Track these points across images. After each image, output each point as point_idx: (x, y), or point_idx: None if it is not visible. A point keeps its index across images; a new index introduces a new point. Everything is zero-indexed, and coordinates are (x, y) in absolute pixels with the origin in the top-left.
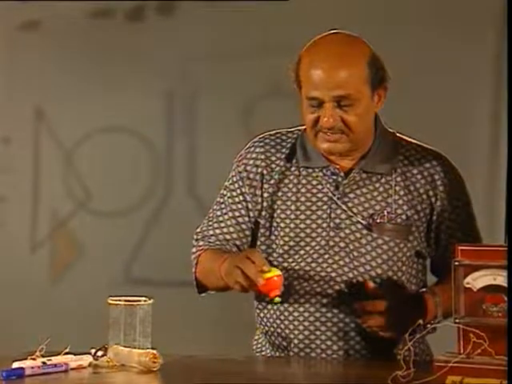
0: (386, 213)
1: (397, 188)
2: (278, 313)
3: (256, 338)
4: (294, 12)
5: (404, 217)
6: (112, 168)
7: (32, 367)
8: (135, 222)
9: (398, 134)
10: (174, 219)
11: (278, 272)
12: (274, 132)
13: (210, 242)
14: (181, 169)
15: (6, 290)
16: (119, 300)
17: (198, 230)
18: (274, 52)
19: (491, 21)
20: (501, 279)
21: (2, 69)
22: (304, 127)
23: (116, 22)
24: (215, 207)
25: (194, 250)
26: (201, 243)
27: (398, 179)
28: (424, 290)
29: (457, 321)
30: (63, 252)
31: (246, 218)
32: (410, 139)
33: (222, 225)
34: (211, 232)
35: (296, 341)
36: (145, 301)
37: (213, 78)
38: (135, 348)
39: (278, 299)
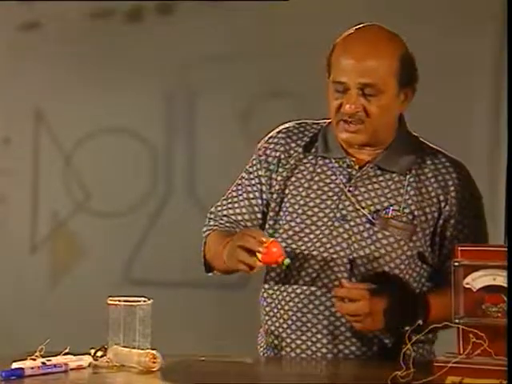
0: (391, 209)
1: (408, 188)
2: (271, 306)
3: (259, 334)
4: (294, 12)
5: (410, 216)
6: (112, 169)
7: (32, 367)
8: (135, 223)
9: (420, 139)
10: (173, 219)
11: (272, 239)
12: (300, 121)
13: (220, 223)
14: (180, 169)
15: (5, 291)
16: (119, 300)
17: (212, 208)
18: (274, 52)
19: (491, 20)
20: (500, 279)
21: (2, 69)
22: (329, 120)
23: (115, 23)
24: (233, 188)
25: (204, 229)
26: (211, 223)
27: (411, 180)
28: (415, 293)
29: (456, 321)
30: (63, 252)
31: (259, 201)
32: (432, 145)
33: (236, 205)
34: (224, 212)
35: (284, 334)
36: (144, 301)
37: (212, 79)
38: (135, 348)
39: (287, 261)
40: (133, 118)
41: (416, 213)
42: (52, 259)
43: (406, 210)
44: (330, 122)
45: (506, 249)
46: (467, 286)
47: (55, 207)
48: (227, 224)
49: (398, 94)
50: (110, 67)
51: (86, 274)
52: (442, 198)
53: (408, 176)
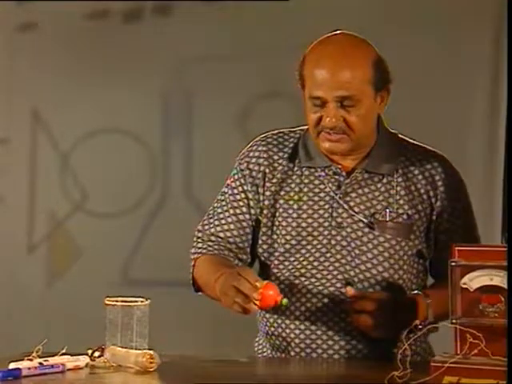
0: (387, 212)
1: (398, 188)
2: (279, 312)
3: (257, 339)
4: (292, 12)
5: (405, 216)
6: (109, 169)
7: (29, 368)
8: (132, 223)
9: (399, 135)
10: (170, 220)
11: (266, 282)
12: (276, 131)
13: (209, 245)
14: (177, 170)
15: (2, 291)
16: (116, 301)
17: (199, 227)
18: (272, 53)
19: (490, 20)
20: (497, 279)
21: (0, 70)
22: (306, 127)
23: (113, 23)
24: (216, 204)
25: (192, 250)
26: (199, 245)
27: (400, 179)
28: (416, 291)
29: (453, 321)
30: (60, 253)
31: (247, 216)
32: (411, 140)
33: (223, 222)
34: (212, 230)
35: (297, 340)
36: (142, 301)
37: (209, 79)
38: (132, 349)
39: (285, 301)
40: (130, 118)
41: (409, 212)
42: (49, 259)
43: (400, 211)
44: (307, 130)
45: (502, 249)
46: (464, 286)
47: (52, 207)
48: (215, 246)
49: (375, 98)
50: (107, 68)
51: (84, 274)
52: (431, 193)
53: (396, 176)
